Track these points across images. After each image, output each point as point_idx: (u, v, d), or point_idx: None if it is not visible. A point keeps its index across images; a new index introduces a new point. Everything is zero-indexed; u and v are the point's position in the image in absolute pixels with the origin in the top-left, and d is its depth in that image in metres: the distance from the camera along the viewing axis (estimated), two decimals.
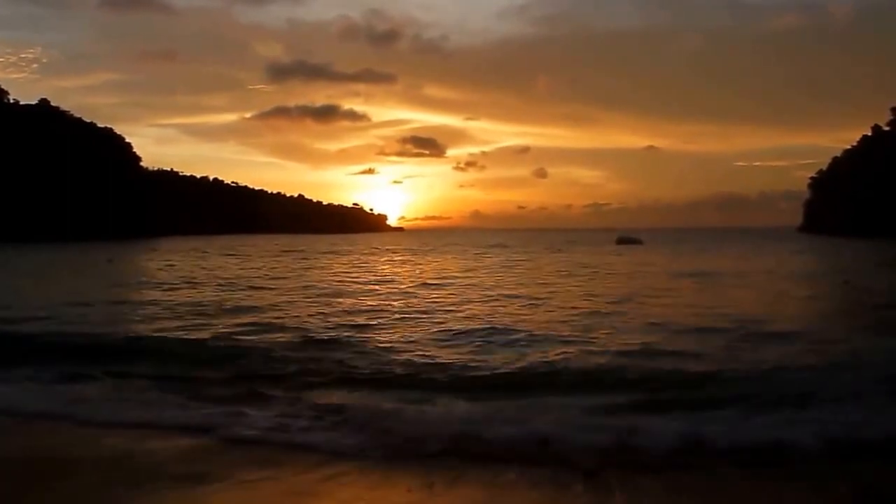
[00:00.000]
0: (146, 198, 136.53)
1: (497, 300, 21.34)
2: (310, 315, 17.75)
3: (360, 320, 16.85)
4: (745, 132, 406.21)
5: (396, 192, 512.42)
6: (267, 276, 33.55)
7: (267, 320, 16.73)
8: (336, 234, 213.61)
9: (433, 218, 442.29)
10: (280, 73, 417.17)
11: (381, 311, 18.95)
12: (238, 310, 19.12)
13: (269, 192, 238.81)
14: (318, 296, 23.09)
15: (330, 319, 16.93)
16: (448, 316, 17.38)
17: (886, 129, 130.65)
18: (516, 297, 22.26)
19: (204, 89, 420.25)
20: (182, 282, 29.53)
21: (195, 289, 26.29)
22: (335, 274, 36.14)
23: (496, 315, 17.44)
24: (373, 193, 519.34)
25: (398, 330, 15.18)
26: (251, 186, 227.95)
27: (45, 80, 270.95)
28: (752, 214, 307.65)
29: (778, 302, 21.32)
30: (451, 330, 14.92)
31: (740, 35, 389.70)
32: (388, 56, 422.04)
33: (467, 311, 18.43)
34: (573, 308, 19.05)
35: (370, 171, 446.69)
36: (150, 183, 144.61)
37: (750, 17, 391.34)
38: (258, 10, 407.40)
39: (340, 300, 21.92)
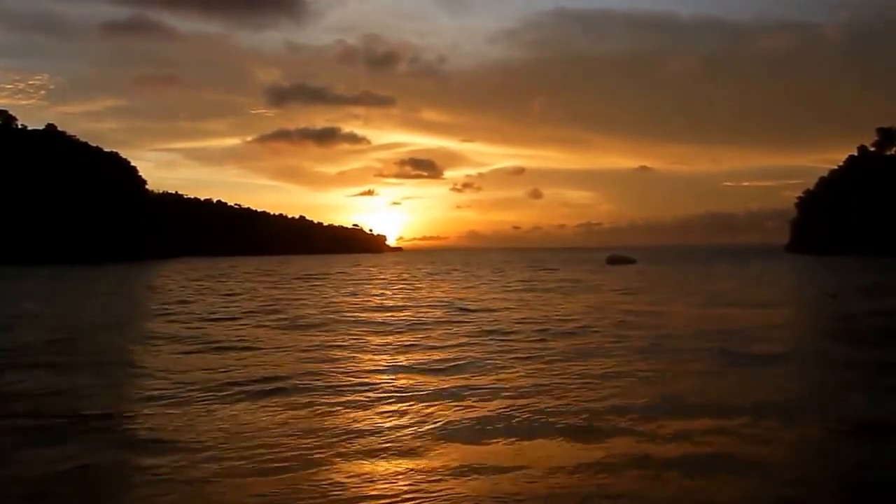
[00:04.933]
0: (152, 221, 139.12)
1: None
2: None
3: None
4: (734, 153, 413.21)
5: (395, 213, 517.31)
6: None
7: None
8: (337, 254, 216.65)
9: (430, 238, 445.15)
10: (280, 96, 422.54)
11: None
12: None
13: (272, 213, 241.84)
14: None
15: None
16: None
17: (872, 149, 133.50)
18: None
19: (206, 114, 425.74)
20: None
21: None
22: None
23: None
24: (372, 214, 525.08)
25: None
26: (254, 209, 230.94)
27: (52, 106, 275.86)
28: (740, 233, 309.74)
29: None
30: None
31: (729, 58, 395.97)
32: (385, 79, 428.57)
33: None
34: None
35: (369, 193, 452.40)
36: (155, 206, 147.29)
37: (738, 41, 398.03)
38: (258, 35, 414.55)
39: None
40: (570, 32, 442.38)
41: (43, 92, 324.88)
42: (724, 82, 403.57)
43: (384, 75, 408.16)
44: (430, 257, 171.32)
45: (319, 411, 10.79)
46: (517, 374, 13.83)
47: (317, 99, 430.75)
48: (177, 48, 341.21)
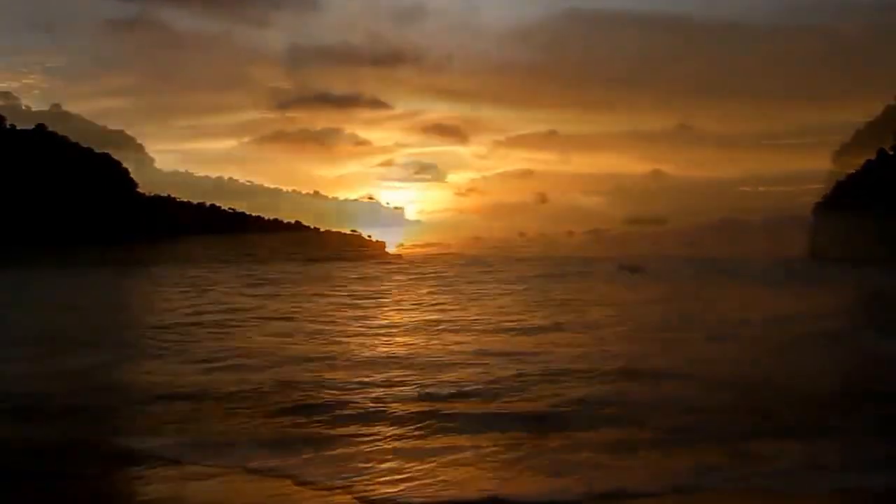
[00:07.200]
0: (142, 223, 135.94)
1: None
2: None
3: None
4: (749, 157, 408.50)
5: (396, 217, 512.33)
6: None
7: None
8: (334, 261, 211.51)
9: (433, 245, 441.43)
10: (281, 97, 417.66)
11: None
12: None
13: (266, 218, 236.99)
14: None
15: None
16: None
17: (891, 153, 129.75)
18: None
19: (204, 115, 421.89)
20: None
21: None
22: None
23: None
24: (372, 219, 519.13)
25: None
26: (248, 213, 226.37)
27: (46, 105, 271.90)
28: (755, 240, 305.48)
29: None
30: None
31: (745, 59, 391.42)
32: (389, 80, 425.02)
33: None
34: None
35: (370, 197, 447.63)
36: (146, 208, 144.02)
37: (755, 42, 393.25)
38: (259, 34, 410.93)
39: None
40: (580, 33, 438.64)
41: (37, 91, 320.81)
42: (739, 84, 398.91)
43: (388, 76, 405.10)
44: (431, 265, 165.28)
45: None
46: None
47: (318, 100, 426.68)
48: (176, 47, 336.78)
